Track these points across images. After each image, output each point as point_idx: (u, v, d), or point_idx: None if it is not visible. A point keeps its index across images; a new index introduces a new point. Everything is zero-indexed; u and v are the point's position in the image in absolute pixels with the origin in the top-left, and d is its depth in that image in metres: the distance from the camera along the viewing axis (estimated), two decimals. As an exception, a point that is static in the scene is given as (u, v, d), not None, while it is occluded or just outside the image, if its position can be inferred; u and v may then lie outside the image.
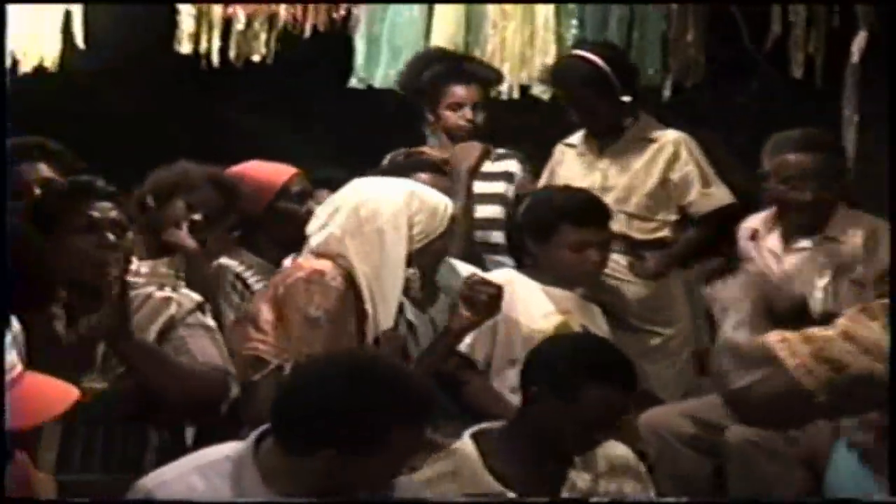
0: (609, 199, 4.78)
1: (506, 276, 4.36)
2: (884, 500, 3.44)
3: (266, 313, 3.91)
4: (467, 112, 5.09)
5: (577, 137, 5.11)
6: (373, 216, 3.98)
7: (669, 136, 4.98)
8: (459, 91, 5.11)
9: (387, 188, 4.06)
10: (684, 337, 4.93)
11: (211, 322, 3.85)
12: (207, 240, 4.43)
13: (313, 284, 3.90)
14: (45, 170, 4.30)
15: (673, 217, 4.97)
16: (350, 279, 3.94)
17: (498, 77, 5.38)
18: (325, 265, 3.94)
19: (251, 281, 4.49)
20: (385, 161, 4.97)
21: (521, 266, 4.47)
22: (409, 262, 3.99)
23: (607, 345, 3.85)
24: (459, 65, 5.21)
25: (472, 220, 4.80)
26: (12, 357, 2.51)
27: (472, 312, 4.03)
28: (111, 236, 3.72)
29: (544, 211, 4.40)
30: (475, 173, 4.87)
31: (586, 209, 4.41)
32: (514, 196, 4.78)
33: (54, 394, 2.57)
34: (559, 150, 5.15)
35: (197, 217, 4.38)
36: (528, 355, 3.76)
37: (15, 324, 3.27)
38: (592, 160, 5.02)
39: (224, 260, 4.53)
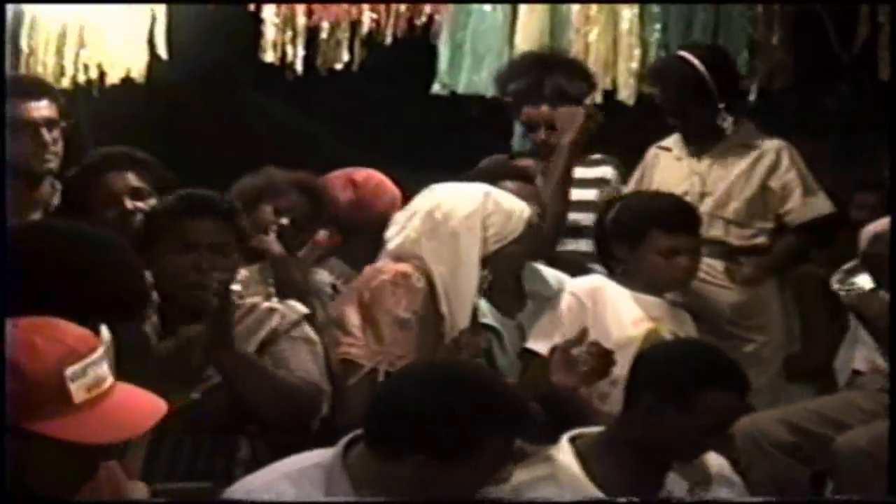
0: (707, 204, 4.75)
1: (595, 282, 4.33)
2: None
3: (353, 317, 3.92)
4: (541, 133, 4.97)
5: (672, 141, 5.06)
6: (447, 218, 3.99)
7: (770, 144, 4.95)
8: (533, 113, 4.99)
9: (462, 191, 4.07)
10: (777, 344, 4.90)
11: (314, 335, 3.85)
12: (300, 247, 4.44)
13: (399, 287, 3.91)
14: (133, 179, 4.31)
15: (769, 225, 4.94)
16: (430, 281, 3.94)
17: (585, 90, 5.14)
18: (407, 267, 3.95)
19: (341, 288, 4.49)
20: (478, 167, 4.96)
21: (610, 273, 4.42)
22: (484, 264, 3.98)
23: (717, 350, 3.78)
24: (540, 81, 5.01)
25: (568, 204, 4.72)
26: (103, 369, 2.52)
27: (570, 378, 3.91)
28: (211, 258, 3.72)
29: (634, 217, 4.35)
30: (577, 147, 4.76)
31: (676, 215, 4.36)
32: (604, 202, 4.72)
33: (144, 407, 2.57)
34: (652, 153, 5.11)
35: (284, 222, 4.40)
36: (635, 363, 3.67)
37: (105, 333, 3.30)
38: (690, 164, 4.97)
39: (318, 270, 4.55)
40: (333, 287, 4.51)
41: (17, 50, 5.24)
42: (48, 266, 2.87)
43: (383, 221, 4.29)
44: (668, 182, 4.90)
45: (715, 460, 3.71)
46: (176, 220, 3.81)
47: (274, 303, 3.88)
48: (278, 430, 3.67)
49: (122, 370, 2.98)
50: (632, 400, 3.59)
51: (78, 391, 2.43)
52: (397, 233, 4.07)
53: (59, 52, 5.27)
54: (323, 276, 4.54)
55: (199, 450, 3.71)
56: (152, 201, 4.26)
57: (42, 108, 4.24)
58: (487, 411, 2.97)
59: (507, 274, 4.11)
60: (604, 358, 3.87)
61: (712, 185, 4.94)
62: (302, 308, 3.92)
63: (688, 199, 4.74)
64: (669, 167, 5.02)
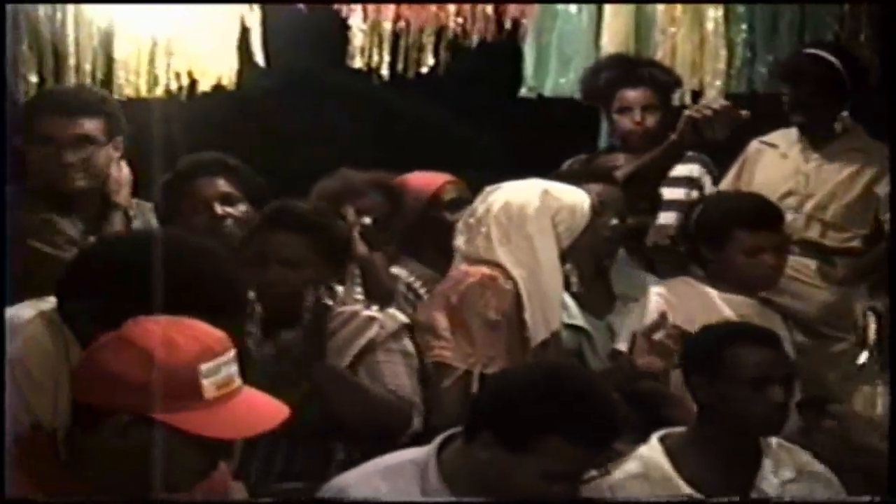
0: (808, 205, 4.73)
1: (682, 283, 4.34)
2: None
3: (442, 321, 3.95)
4: (636, 114, 5.05)
5: (779, 137, 5.02)
6: (517, 221, 4.00)
7: (879, 149, 4.89)
8: (629, 94, 5.08)
9: (521, 191, 4.07)
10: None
11: (411, 347, 3.88)
12: (381, 246, 4.47)
13: (487, 289, 3.94)
14: (223, 185, 4.35)
15: (866, 230, 4.91)
16: (515, 284, 3.96)
17: (675, 81, 5.31)
18: (492, 270, 3.97)
19: (420, 290, 4.53)
20: (563, 167, 4.98)
21: (696, 273, 4.43)
22: (563, 261, 4.00)
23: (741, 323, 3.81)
24: (634, 69, 5.17)
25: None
26: (234, 369, 2.59)
27: (654, 362, 3.99)
28: (280, 271, 3.75)
29: (717, 216, 4.36)
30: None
31: (759, 213, 4.37)
32: (688, 204, 4.71)
33: (268, 408, 2.66)
34: (754, 147, 5.08)
35: (367, 221, 4.43)
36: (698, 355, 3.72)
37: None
38: (797, 164, 4.95)
39: (395, 269, 4.57)
40: (408, 286, 4.55)
41: (109, 59, 5.31)
42: (146, 273, 2.93)
43: (422, 221, 4.52)
44: (772, 180, 4.86)
45: (806, 458, 3.72)
46: (255, 232, 3.86)
47: (374, 311, 3.89)
48: (369, 442, 3.68)
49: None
50: (703, 391, 3.63)
51: (209, 388, 2.53)
52: (468, 240, 4.09)
53: (152, 62, 5.33)
54: (400, 273, 4.57)
55: (295, 451, 3.76)
56: (242, 207, 4.31)
57: (75, 126, 4.18)
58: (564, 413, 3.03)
59: (590, 265, 4.09)
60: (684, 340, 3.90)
61: (816, 186, 4.91)
62: (402, 317, 3.94)
63: (791, 198, 4.73)
64: (774, 164, 4.98)
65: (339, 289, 3.90)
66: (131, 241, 3.19)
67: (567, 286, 4.06)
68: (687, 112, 4.51)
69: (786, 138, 5.00)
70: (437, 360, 3.90)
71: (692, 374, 3.65)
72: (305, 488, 3.52)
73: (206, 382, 2.52)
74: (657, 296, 4.29)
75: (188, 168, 4.39)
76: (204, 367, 2.53)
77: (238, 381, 2.60)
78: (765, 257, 4.31)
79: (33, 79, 5.19)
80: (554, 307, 4.00)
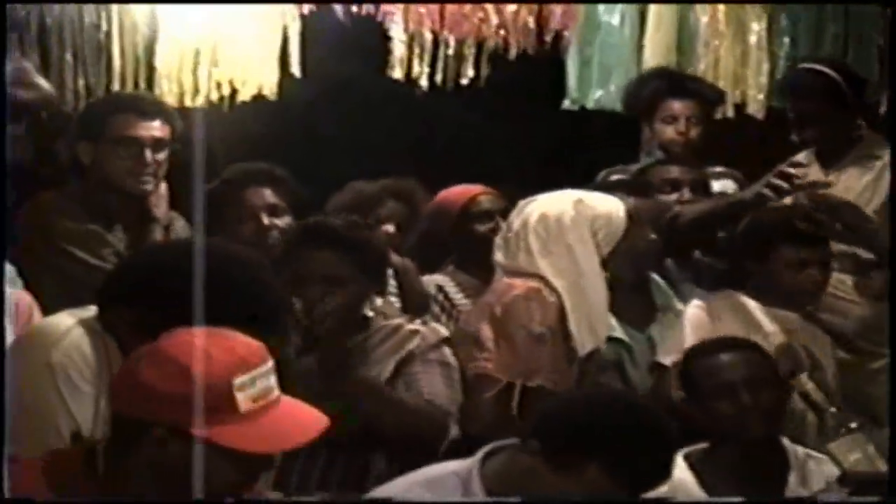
0: None
1: (725, 296, 4.32)
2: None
3: (486, 332, 3.94)
4: (681, 125, 5.06)
5: (804, 156, 5.01)
6: (556, 233, 4.00)
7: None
8: (675, 105, 5.10)
9: (555, 203, 4.06)
10: None
11: (451, 358, 3.86)
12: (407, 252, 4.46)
13: (532, 301, 3.93)
14: (270, 195, 4.34)
15: None
16: (559, 296, 3.94)
17: (719, 96, 5.34)
18: (536, 283, 3.96)
19: (453, 295, 4.54)
20: (598, 178, 4.96)
21: (740, 286, 4.40)
22: (605, 269, 3.99)
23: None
24: (680, 81, 5.21)
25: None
26: (271, 381, 2.57)
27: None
28: (314, 289, 3.73)
29: (762, 230, 4.35)
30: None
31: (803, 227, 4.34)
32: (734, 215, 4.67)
33: (307, 420, 2.63)
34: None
35: (390, 229, 4.42)
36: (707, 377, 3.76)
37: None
38: (818, 179, 4.92)
39: (432, 277, 4.58)
40: (441, 290, 4.55)
41: (151, 69, 5.32)
42: (188, 282, 2.93)
43: (455, 234, 4.57)
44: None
45: (831, 467, 3.72)
46: (290, 250, 3.85)
47: (417, 324, 3.89)
48: (407, 452, 3.69)
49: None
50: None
51: (245, 401, 2.50)
52: (507, 255, 4.08)
53: (195, 71, 5.34)
54: (434, 280, 4.57)
55: (333, 463, 3.76)
56: (287, 219, 4.30)
57: (153, 128, 4.25)
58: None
59: (630, 275, 4.06)
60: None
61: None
62: (443, 331, 3.94)
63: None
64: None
65: (379, 301, 3.89)
66: (171, 250, 3.19)
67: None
68: (775, 177, 4.45)
69: (809, 156, 4.97)
70: (480, 371, 3.90)
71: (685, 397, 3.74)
72: (339, 498, 3.50)
73: (240, 396, 2.50)
74: (698, 309, 4.27)
75: (236, 177, 4.39)
76: (238, 380, 2.50)
77: (276, 393, 2.58)
78: (809, 272, 4.29)
79: (71, 85, 5.20)
80: (600, 316, 3.99)
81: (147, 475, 2.53)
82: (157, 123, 4.26)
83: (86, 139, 4.26)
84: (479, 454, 3.20)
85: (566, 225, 3.99)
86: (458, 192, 4.74)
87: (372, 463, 3.75)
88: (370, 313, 3.83)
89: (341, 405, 3.63)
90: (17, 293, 3.77)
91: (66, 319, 3.16)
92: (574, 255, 3.97)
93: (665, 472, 3.08)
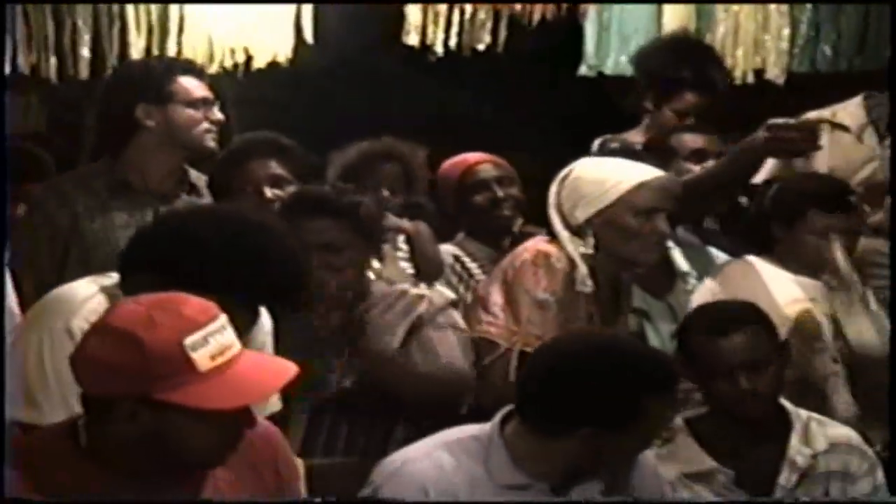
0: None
1: (746, 262, 4.29)
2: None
3: (496, 296, 3.91)
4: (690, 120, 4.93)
5: (846, 116, 4.86)
6: (554, 189, 3.96)
7: None
8: (687, 97, 4.96)
9: (576, 166, 4.00)
10: None
11: (461, 321, 3.85)
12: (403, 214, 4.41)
13: (539, 267, 3.88)
14: (275, 167, 4.28)
15: None
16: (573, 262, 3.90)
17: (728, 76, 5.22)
18: (550, 247, 3.92)
19: (470, 264, 4.53)
20: (594, 147, 4.91)
21: (764, 253, 4.36)
22: (581, 229, 3.90)
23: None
24: (702, 69, 5.02)
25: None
26: (227, 336, 2.52)
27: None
28: (341, 254, 3.71)
29: (792, 197, 4.30)
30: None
31: (834, 195, 4.30)
32: (763, 182, 4.60)
33: (272, 372, 2.59)
34: (825, 129, 4.96)
35: (385, 194, 4.38)
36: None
37: (266, 323, 3.33)
38: (873, 148, 4.83)
39: (447, 245, 4.55)
40: (456, 258, 4.53)
41: (164, 36, 5.30)
42: (210, 249, 2.91)
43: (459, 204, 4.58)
44: (849, 163, 4.71)
45: (842, 431, 3.73)
46: (292, 220, 3.82)
47: (423, 289, 3.87)
48: (427, 416, 3.66)
49: (287, 351, 3.03)
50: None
51: (202, 359, 2.46)
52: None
53: (209, 37, 5.32)
54: (449, 248, 4.55)
55: (356, 430, 3.74)
56: (291, 189, 4.26)
57: (207, 88, 4.27)
58: (643, 374, 3.08)
59: (625, 242, 3.94)
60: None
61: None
62: (449, 294, 3.93)
63: (867, 186, 4.63)
64: (847, 148, 4.77)
65: (376, 265, 3.86)
66: (193, 217, 3.15)
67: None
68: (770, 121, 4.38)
69: (853, 117, 4.86)
70: (483, 335, 3.87)
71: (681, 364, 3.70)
72: (361, 465, 3.48)
73: (196, 355, 2.45)
74: (720, 275, 4.26)
75: (242, 148, 4.35)
76: (188, 340, 2.45)
77: (236, 348, 2.53)
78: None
79: (85, 53, 5.17)
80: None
81: (127, 448, 2.50)
82: (208, 83, 4.30)
83: (149, 102, 4.21)
84: (497, 418, 3.20)
85: (556, 183, 3.96)
86: (454, 164, 4.73)
87: (394, 430, 3.74)
88: (372, 278, 3.81)
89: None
90: None
91: (87, 286, 3.15)
92: (550, 214, 3.93)
93: (636, 410, 3.05)
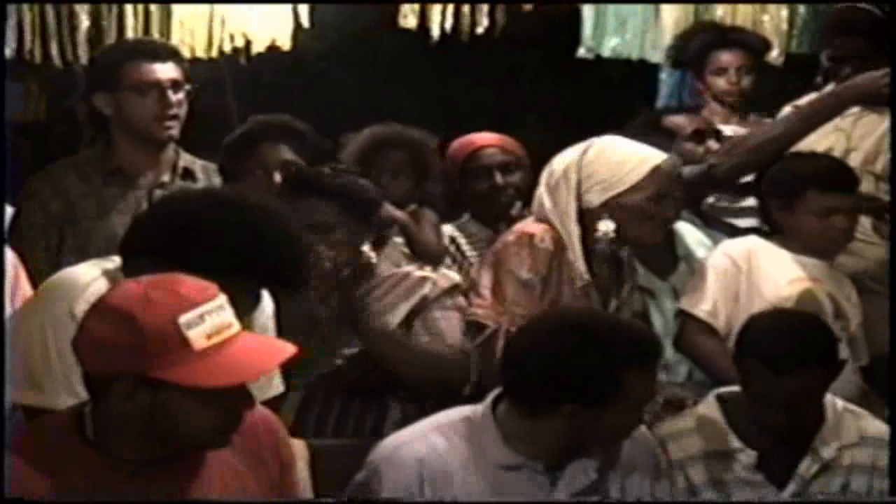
0: (855, 161, 4.65)
1: (750, 243, 4.29)
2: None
3: (485, 279, 3.91)
4: (731, 76, 5.10)
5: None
6: (556, 169, 3.94)
7: None
8: (724, 56, 5.13)
9: (578, 145, 3.98)
10: None
11: (465, 304, 3.84)
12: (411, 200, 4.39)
13: (523, 248, 3.87)
14: (286, 151, 4.25)
15: None
16: (559, 242, 3.90)
17: (765, 44, 5.34)
18: (535, 228, 3.91)
19: (464, 246, 4.53)
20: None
21: (769, 233, 4.37)
22: (593, 213, 3.90)
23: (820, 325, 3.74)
24: (725, 33, 5.24)
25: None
26: (224, 316, 2.53)
27: None
28: (330, 235, 3.71)
29: (789, 177, 4.30)
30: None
31: (832, 174, 4.30)
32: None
33: (268, 350, 2.61)
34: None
35: (388, 178, 4.37)
36: (742, 328, 3.71)
37: (268, 306, 3.34)
38: (834, 121, 4.88)
39: (446, 226, 4.54)
40: (452, 240, 4.53)
41: (164, 20, 5.30)
42: (209, 231, 2.91)
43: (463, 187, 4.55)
44: (810, 139, 4.78)
45: (876, 425, 3.69)
46: (288, 200, 3.83)
47: (427, 271, 3.87)
48: (429, 396, 3.69)
49: (289, 333, 3.04)
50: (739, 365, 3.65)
51: (197, 338, 2.47)
52: (535, 195, 4.06)
53: (210, 22, 5.31)
54: (446, 229, 4.54)
55: (349, 410, 3.76)
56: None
57: (168, 70, 4.21)
58: (622, 348, 3.08)
59: (635, 225, 3.94)
60: None
61: (858, 140, 4.82)
62: (454, 276, 3.93)
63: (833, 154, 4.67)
64: None
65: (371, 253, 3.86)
66: (194, 199, 3.15)
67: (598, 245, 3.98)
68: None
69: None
70: (472, 317, 3.87)
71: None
72: (358, 443, 3.50)
73: (191, 334, 2.46)
74: (723, 256, 4.23)
75: (254, 131, 4.32)
76: (183, 318, 2.46)
77: (234, 328, 2.54)
78: (835, 219, 4.24)
79: (84, 39, 5.17)
80: (575, 260, 3.91)
81: (129, 430, 2.52)
82: (170, 65, 4.24)
83: (102, 90, 4.22)
84: (488, 399, 3.22)
85: (563, 164, 3.92)
86: (462, 145, 4.69)
87: (388, 409, 3.75)
88: (373, 259, 3.81)
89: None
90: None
91: (90, 270, 3.16)
92: (559, 191, 3.89)
93: (617, 385, 3.06)
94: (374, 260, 3.81)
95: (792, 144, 4.49)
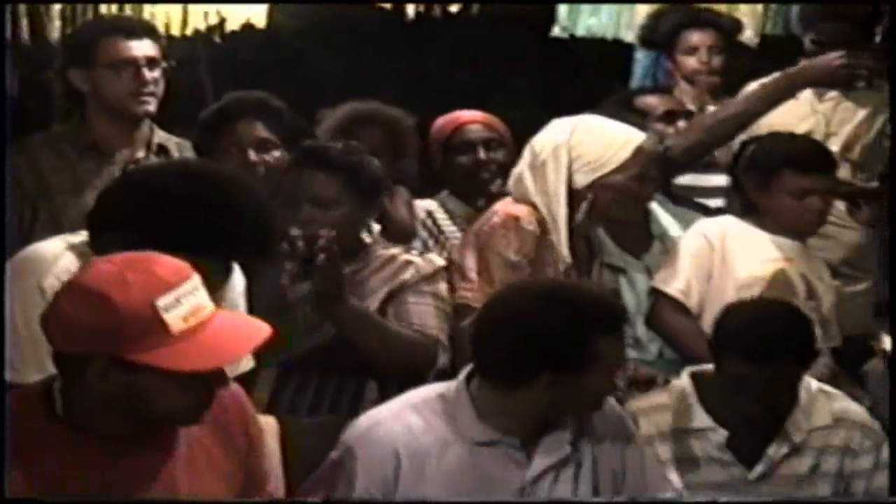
0: (834, 146, 4.68)
1: (725, 223, 4.30)
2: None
3: (470, 261, 3.93)
4: (703, 55, 5.14)
5: None
6: (540, 148, 3.96)
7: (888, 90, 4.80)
8: (695, 36, 5.16)
9: (559, 123, 4.01)
10: (873, 284, 4.85)
11: (444, 290, 3.84)
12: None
13: (510, 230, 3.91)
14: (261, 129, 4.23)
15: (880, 167, 4.86)
16: (542, 223, 3.92)
17: (737, 25, 5.39)
18: (520, 210, 3.93)
19: (441, 221, 4.54)
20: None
21: (743, 213, 4.37)
22: (580, 194, 3.92)
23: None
24: (696, 13, 5.27)
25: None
26: (200, 297, 2.52)
27: None
28: (332, 211, 3.71)
29: (766, 157, 4.30)
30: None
31: (810, 156, 4.31)
32: (740, 143, 4.64)
33: (246, 332, 2.59)
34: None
35: None
36: (719, 318, 3.72)
37: (239, 282, 3.33)
38: (813, 104, 4.89)
39: (423, 202, 4.56)
40: (428, 213, 4.54)
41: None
42: (176, 203, 2.89)
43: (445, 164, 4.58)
44: (789, 121, 4.78)
45: (852, 407, 3.72)
46: (287, 173, 3.83)
47: (413, 255, 3.87)
48: (397, 379, 3.68)
49: (260, 311, 3.03)
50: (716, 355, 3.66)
51: (175, 321, 2.46)
52: (513, 174, 4.07)
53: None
54: (424, 203, 4.56)
55: (325, 388, 3.75)
56: (276, 153, 4.21)
57: (144, 47, 4.22)
58: (590, 314, 3.10)
59: (618, 204, 3.99)
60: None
61: (837, 125, 4.86)
62: (439, 261, 3.91)
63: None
64: (789, 105, 4.90)
65: (377, 227, 3.87)
66: (162, 172, 3.13)
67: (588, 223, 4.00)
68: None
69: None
70: (461, 301, 3.89)
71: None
72: (333, 421, 3.50)
73: (168, 316, 2.45)
74: (698, 235, 4.25)
75: (229, 108, 4.30)
76: (160, 301, 2.45)
77: (209, 309, 2.53)
78: (811, 201, 4.24)
79: (57, 15, 5.14)
80: (561, 238, 3.92)
81: (99, 409, 2.51)
82: (146, 42, 4.25)
83: (77, 67, 4.21)
84: (461, 376, 3.24)
85: (550, 141, 3.95)
86: (447, 121, 4.71)
87: (365, 389, 3.75)
88: (368, 240, 3.80)
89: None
90: None
91: (57, 244, 3.15)
92: (546, 170, 3.92)
93: (588, 351, 3.08)
94: (368, 241, 3.81)
95: (747, 125, 4.50)
